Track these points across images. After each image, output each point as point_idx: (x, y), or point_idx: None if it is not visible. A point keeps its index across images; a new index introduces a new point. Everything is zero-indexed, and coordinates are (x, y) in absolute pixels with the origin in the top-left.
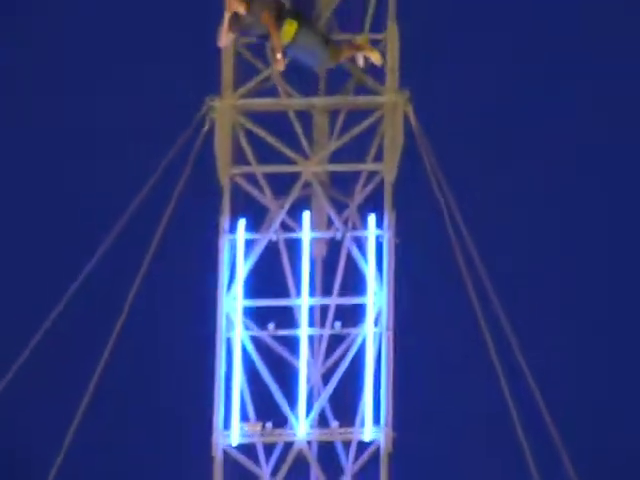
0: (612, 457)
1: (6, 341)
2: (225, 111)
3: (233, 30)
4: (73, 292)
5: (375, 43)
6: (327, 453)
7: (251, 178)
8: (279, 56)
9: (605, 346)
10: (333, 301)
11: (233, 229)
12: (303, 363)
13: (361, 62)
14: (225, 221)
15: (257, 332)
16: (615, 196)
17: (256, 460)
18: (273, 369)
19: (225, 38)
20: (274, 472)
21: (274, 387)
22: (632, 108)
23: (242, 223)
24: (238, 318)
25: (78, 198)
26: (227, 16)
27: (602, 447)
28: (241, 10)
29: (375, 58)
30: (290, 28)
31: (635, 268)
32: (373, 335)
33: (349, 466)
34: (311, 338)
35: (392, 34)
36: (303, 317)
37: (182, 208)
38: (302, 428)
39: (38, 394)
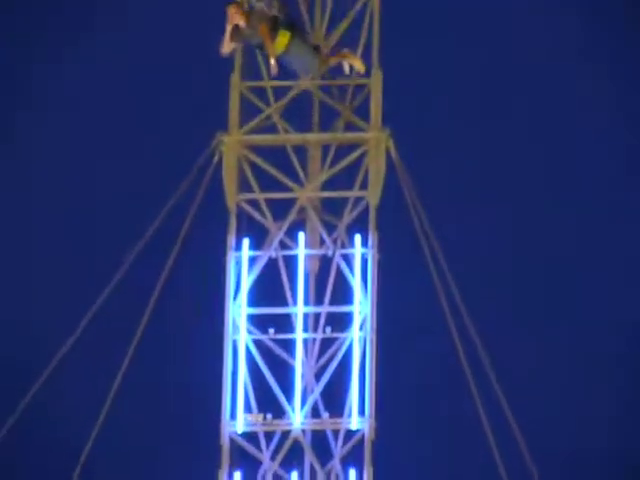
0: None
1: (34, 352)
2: (232, 146)
3: (234, 40)
4: (104, 296)
5: (361, 87)
6: (319, 440)
7: (254, 203)
8: (272, 62)
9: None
10: (324, 309)
11: (239, 247)
12: (298, 362)
13: (347, 69)
14: (232, 240)
15: (259, 336)
16: (592, 241)
17: (258, 446)
18: (273, 367)
19: (227, 47)
20: (273, 456)
21: (273, 383)
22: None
23: (246, 242)
24: (242, 323)
25: (100, 218)
26: (229, 28)
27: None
28: (241, 23)
29: (358, 65)
30: (283, 39)
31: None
32: (359, 338)
33: (338, 451)
34: (305, 341)
35: (376, 80)
36: (299, 323)
37: (195, 228)
38: (298, 418)
39: (74, 386)
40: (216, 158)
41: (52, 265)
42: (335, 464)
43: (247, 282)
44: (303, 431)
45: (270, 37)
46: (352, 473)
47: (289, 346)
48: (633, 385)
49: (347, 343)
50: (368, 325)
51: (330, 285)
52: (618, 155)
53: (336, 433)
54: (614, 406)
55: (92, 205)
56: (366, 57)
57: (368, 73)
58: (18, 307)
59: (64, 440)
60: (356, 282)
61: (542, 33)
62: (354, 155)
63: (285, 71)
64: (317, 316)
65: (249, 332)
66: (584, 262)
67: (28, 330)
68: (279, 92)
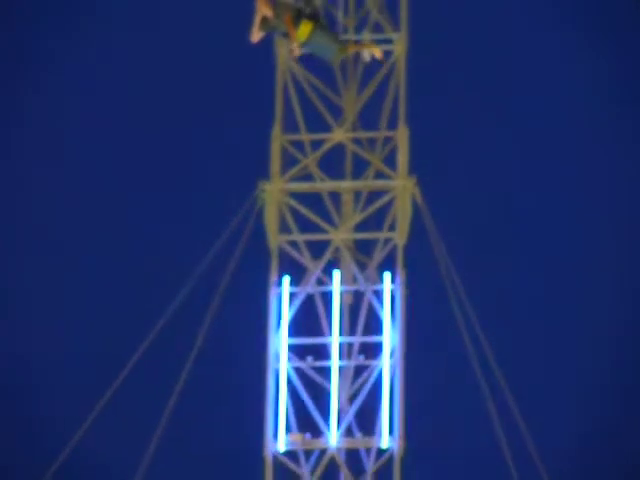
0: None
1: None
2: (273, 193)
3: (262, 29)
4: (156, 332)
5: (388, 139)
6: (353, 458)
7: (294, 244)
8: (294, 46)
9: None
10: (357, 339)
11: (280, 284)
12: (334, 387)
13: (366, 57)
14: (273, 278)
15: (298, 363)
16: (617, 290)
17: (298, 463)
18: (311, 392)
19: (256, 36)
20: (312, 472)
21: (312, 406)
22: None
23: (287, 279)
24: (284, 353)
25: (153, 258)
26: (257, 18)
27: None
28: (268, 14)
29: (377, 54)
30: (305, 28)
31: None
32: (388, 365)
33: (370, 468)
34: (340, 368)
35: (402, 133)
36: (334, 351)
37: (240, 267)
38: (333, 438)
39: (127, 416)
40: (259, 203)
41: (104, 305)
42: None
43: (288, 315)
44: (338, 449)
45: (294, 26)
46: None
47: (325, 372)
48: None
49: (378, 369)
50: (397, 353)
51: (362, 318)
52: None
53: (368, 451)
54: None
55: (145, 247)
56: (393, 111)
57: (396, 125)
58: (69, 349)
59: (115, 470)
60: (386, 315)
61: (563, 83)
62: (383, 200)
63: (321, 125)
64: (351, 345)
65: (290, 360)
66: (605, 308)
67: (80, 368)
68: (315, 144)
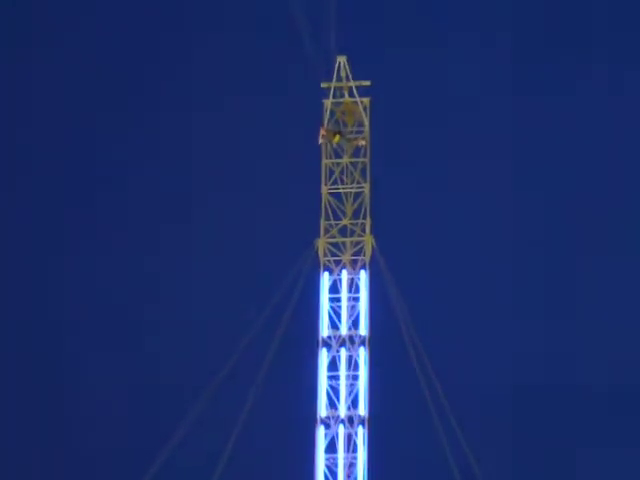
0: None
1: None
2: (323, 245)
3: (322, 139)
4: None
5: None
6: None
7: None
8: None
9: None
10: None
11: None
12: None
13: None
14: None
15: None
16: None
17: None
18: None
19: (320, 140)
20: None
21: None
22: None
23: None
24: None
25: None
26: (321, 133)
27: None
28: (323, 133)
29: (361, 142)
30: (337, 137)
31: None
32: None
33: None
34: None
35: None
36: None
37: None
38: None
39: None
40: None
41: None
42: None
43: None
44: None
45: (333, 137)
46: None
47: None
48: None
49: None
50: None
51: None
52: None
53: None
54: None
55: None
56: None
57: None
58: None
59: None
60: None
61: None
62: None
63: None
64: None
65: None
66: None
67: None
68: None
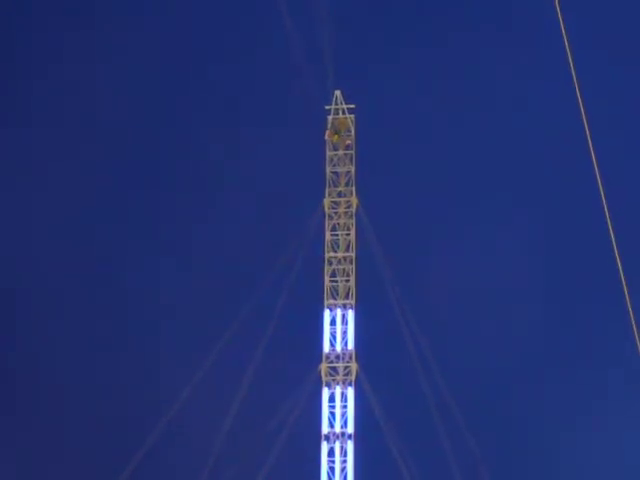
0: None
1: None
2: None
3: (329, 136)
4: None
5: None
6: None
7: None
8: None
9: None
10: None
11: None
12: None
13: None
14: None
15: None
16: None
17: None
18: None
19: (327, 137)
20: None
21: None
22: None
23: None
24: None
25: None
26: (328, 133)
27: None
28: (329, 133)
29: (348, 141)
30: (337, 136)
31: None
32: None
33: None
34: None
35: None
36: None
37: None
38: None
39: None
40: None
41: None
42: None
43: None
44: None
45: (333, 135)
46: None
47: None
48: None
49: None
50: None
51: None
52: None
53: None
54: None
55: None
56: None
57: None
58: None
59: None
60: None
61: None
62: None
63: None
64: None
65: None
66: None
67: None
68: None
